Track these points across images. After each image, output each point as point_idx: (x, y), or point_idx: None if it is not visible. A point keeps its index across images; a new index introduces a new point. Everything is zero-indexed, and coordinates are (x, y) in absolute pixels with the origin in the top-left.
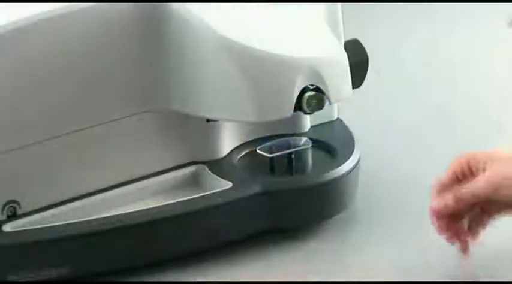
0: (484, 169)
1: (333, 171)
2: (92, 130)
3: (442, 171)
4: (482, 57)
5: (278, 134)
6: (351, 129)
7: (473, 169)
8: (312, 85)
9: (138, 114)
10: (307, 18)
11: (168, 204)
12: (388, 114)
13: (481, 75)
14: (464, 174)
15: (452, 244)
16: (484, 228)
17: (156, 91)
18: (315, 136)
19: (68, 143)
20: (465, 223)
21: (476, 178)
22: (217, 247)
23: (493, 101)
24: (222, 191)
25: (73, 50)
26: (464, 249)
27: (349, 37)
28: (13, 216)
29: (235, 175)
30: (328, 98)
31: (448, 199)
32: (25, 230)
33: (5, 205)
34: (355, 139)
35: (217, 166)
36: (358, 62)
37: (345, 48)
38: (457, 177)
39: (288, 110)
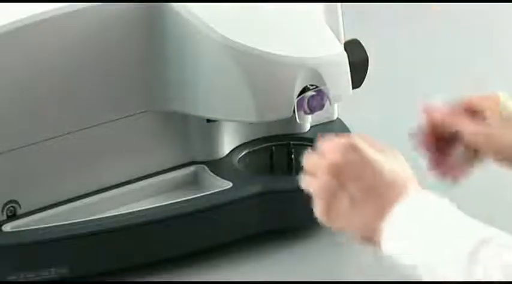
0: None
1: None
2: (92, 130)
3: None
4: (482, 57)
5: (278, 134)
6: (351, 129)
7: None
8: (312, 85)
9: (138, 114)
10: (307, 18)
11: (168, 204)
12: (388, 114)
13: (482, 74)
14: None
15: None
16: (471, 167)
17: (156, 91)
18: (315, 136)
19: (67, 143)
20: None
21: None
22: (217, 247)
23: None
24: (222, 191)
25: (73, 50)
26: (457, 177)
27: (349, 37)
28: (13, 216)
29: (235, 175)
30: (328, 98)
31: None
32: (25, 230)
33: (5, 205)
34: None
35: (217, 166)
36: (358, 62)
37: (345, 48)
38: None
39: (288, 110)
